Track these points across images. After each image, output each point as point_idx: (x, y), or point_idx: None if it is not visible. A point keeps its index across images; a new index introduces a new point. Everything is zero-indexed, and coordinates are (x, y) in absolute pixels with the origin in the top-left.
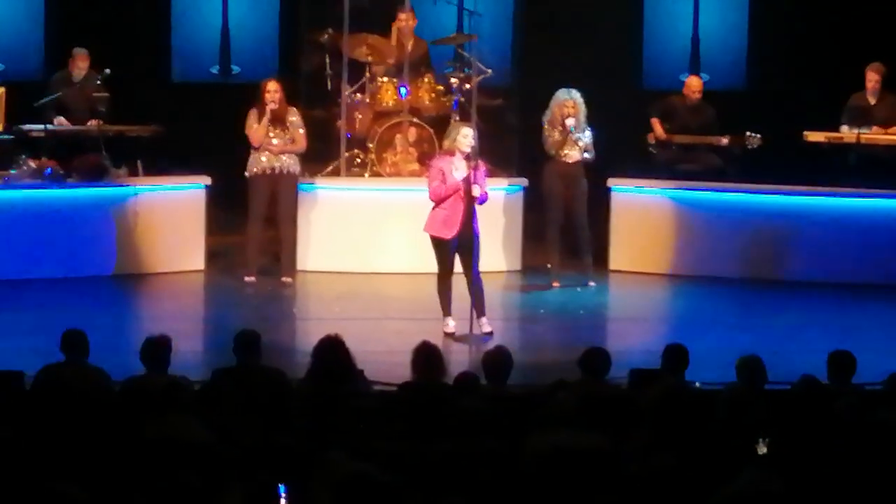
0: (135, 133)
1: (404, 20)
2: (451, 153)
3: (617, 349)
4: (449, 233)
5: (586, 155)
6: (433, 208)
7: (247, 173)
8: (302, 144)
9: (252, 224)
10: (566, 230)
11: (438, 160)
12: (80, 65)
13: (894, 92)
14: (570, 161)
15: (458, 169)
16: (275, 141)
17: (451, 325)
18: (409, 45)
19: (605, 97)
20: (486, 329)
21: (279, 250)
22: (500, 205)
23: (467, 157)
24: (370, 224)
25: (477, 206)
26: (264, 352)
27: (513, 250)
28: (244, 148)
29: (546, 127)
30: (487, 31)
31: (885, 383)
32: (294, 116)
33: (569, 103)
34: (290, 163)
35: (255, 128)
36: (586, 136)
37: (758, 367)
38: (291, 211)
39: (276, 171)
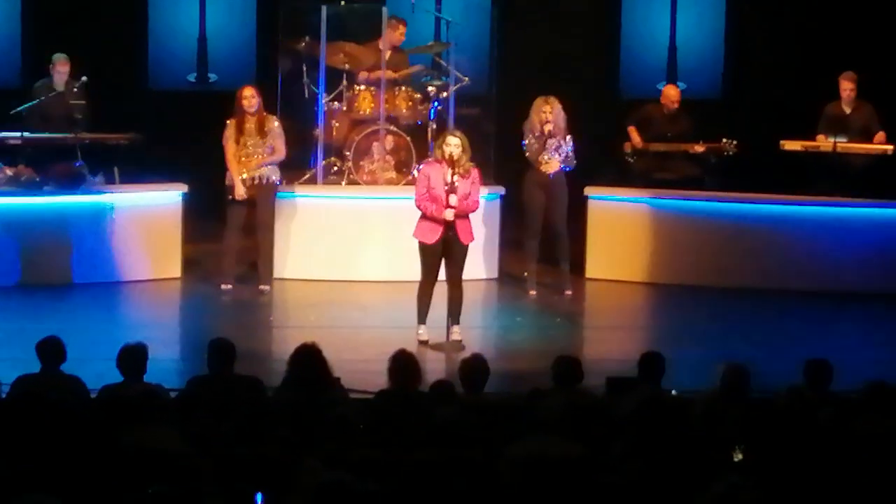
0: (111, 141)
1: (401, 33)
2: (440, 160)
3: (593, 357)
4: (431, 238)
5: (566, 167)
6: (420, 215)
7: (227, 182)
8: (282, 153)
9: (229, 233)
10: (544, 238)
11: (427, 166)
12: (61, 70)
13: (868, 100)
14: (550, 170)
15: (445, 176)
16: (252, 161)
17: (423, 332)
18: (388, 55)
19: (582, 106)
20: (457, 338)
21: (256, 258)
22: (477, 213)
23: (452, 165)
24: (347, 232)
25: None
26: (241, 360)
27: (490, 258)
28: (221, 156)
29: (526, 134)
30: (465, 40)
31: (862, 391)
32: (273, 124)
33: (546, 108)
34: (269, 172)
35: (230, 152)
36: (567, 145)
37: (741, 376)
38: (269, 219)
39: (256, 180)
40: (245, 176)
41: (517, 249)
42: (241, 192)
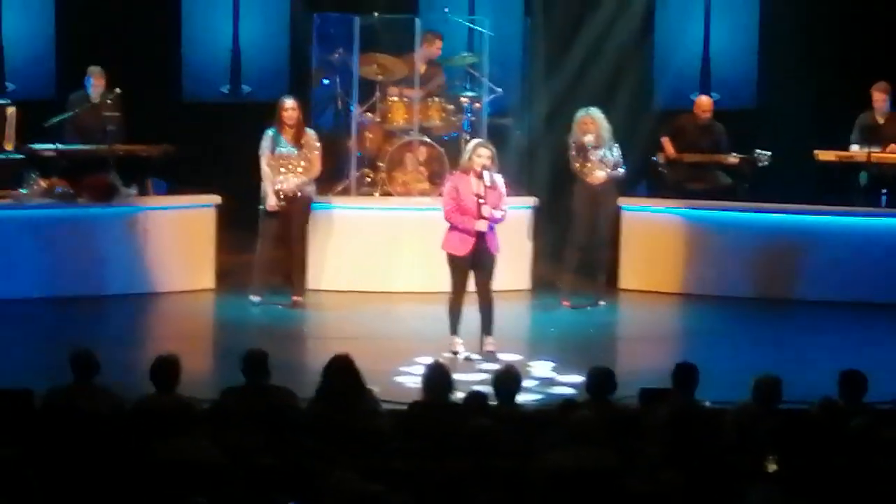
0: (145, 153)
1: (437, 48)
2: (467, 171)
3: (627, 368)
4: (463, 250)
5: (616, 172)
6: (449, 227)
7: (262, 193)
8: (317, 167)
9: (262, 244)
10: (585, 248)
11: (454, 178)
12: (96, 83)
13: None
14: (597, 181)
15: (474, 187)
16: (290, 178)
17: (457, 343)
18: (423, 69)
19: (615, 117)
20: (491, 348)
21: (289, 270)
22: (509, 223)
23: (481, 176)
24: (380, 243)
25: (496, 225)
26: (274, 371)
27: (523, 269)
28: (255, 167)
29: (570, 147)
30: (497, 51)
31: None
32: (310, 138)
33: (587, 120)
34: (304, 184)
35: (265, 163)
36: (613, 153)
37: (774, 388)
38: (303, 231)
39: (290, 192)
40: (279, 187)
41: (551, 259)
42: (272, 202)
